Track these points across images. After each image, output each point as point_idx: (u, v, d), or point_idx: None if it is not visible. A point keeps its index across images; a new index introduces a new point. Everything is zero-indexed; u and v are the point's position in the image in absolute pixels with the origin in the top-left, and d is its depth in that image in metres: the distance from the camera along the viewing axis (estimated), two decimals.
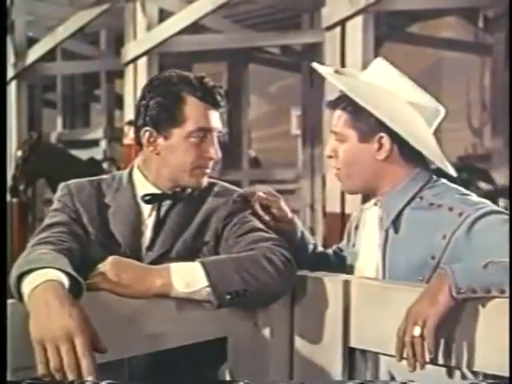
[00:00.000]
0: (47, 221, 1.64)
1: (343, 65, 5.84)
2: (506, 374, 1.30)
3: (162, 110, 1.62)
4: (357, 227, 1.83)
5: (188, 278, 1.44)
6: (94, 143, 9.98)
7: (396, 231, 1.65)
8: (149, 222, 1.67)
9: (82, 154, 7.19)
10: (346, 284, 1.56)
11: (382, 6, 6.12)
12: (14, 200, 5.94)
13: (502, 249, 1.44)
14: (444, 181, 1.70)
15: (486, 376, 1.41)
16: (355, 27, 5.85)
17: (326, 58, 6.17)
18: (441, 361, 1.42)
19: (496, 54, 8.45)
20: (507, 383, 1.31)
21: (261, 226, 1.66)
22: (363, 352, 1.58)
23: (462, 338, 1.39)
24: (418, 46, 11.19)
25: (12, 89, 9.72)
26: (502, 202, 3.89)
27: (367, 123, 1.66)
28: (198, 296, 1.45)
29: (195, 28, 8.01)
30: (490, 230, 1.53)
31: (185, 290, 1.44)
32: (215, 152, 1.67)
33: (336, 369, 1.56)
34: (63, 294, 1.25)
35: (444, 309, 1.36)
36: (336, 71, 1.79)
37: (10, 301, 1.28)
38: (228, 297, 1.44)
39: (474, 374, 1.44)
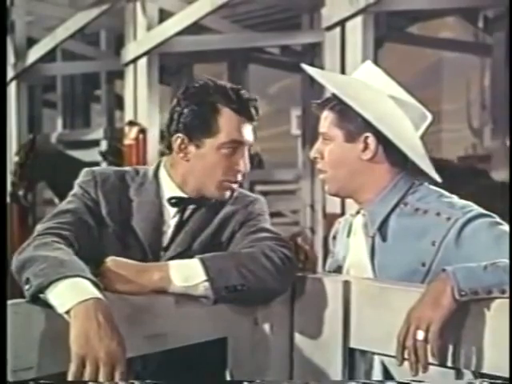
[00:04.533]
0: (62, 206, 1.63)
1: (343, 65, 5.84)
2: (506, 374, 1.30)
3: (196, 118, 1.62)
4: (334, 237, 1.84)
5: (186, 272, 1.46)
6: (95, 144, 9.98)
7: (383, 239, 1.64)
8: (171, 223, 1.68)
9: (83, 155, 7.20)
10: (346, 284, 1.56)
11: (381, 7, 6.12)
12: (14, 205, 5.94)
13: (491, 252, 1.45)
14: (426, 184, 1.68)
15: (485, 376, 1.41)
16: (355, 27, 5.84)
17: (326, 58, 6.17)
18: (441, 361, 1.42)
19: (496, 54, 8.45)
20: (507, 383, 1.32)
21: (270, 227, 1.67)
22: (363, 352, 1.58)
23: (461, 337, 1.39)
24: (418, 47, 11.20)
25: (12, 89, 9.72)
26: None
27: (353, 123, 1.66)
28: (195, 291, 1.46)
29: (195, 28, 8.01)
30: (480, 233, 1.53)
31: (183, 284, 1.45)
32: (245, 165, 1.66)
33: (336, 369, 1.56)
34: (112, 317, 1.29)
35: (447, 312, 1.36)
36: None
37: (10, 301, 1.28)
38: (225, 292, 1.45)
39: (474, 374, 1.44)
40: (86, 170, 1.70)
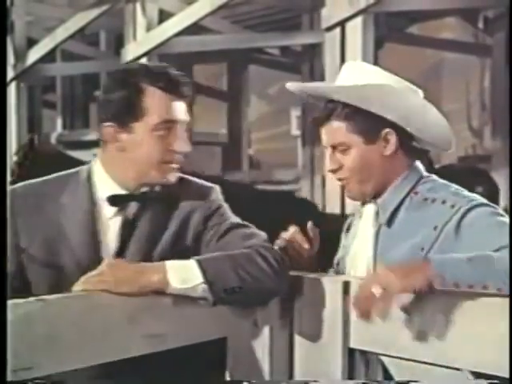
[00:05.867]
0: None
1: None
2: (506, 374, 1.30)
3: (121, 102, 1.53)
4: (348, 229, 1.85)
5: (183, 274, 1.44)
6: (94, 144, 9.99)
7: (389, 226, 1.66)
8: (111, 224, 1.59)
9: (82, 155, 7.19)
10: (346, 284, 1.56)
11: (381, 7, 6.13)
12: None
13: (488, 240, 1.46)
14: (435, 177, 1.71)
15: (486, 376, 1.41)
16: (355, 28, 5.85)
17: (326, 58, 6.18)
18: (441, 361, 1.42)
19: (496, 54, 8.46)
20: (507, 383, 1.32)
21: (239, 221, 1.63)
22: (363, 352, 1.58)
23: (461, 337, 1.39)
24: (418, 47, 11.22)
25: (12, 90, 9.73)
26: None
27: (369, 123, 1.65)
28: (193, 293, 1.44)
29: (195, 29, 8.02)
30: (479, 221, 1.55)
31: (181, 286, 1.44)
32: (182, 145, 1.58)
33: (336, 369, 1.56)
34: None
35: (412, 289, 1.38)
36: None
37: (9, 301, 1.28)
38: (224, 294, 1.44)
39: (474, 374, 1.44)
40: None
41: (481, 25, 9.27)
